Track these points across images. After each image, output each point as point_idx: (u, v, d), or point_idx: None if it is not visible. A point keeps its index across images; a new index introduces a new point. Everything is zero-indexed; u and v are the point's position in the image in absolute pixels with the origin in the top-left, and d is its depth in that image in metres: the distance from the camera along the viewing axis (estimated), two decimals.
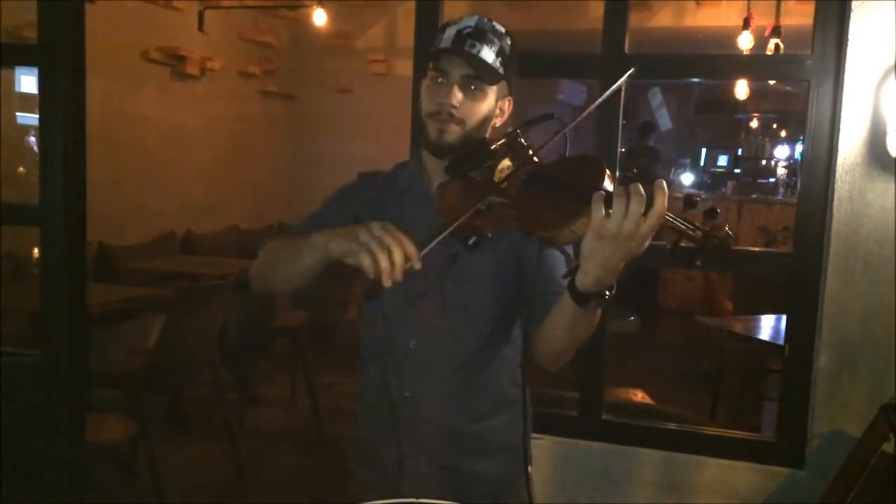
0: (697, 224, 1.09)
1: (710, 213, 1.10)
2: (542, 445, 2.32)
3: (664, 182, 1.07)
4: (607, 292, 1.19)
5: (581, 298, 1.20)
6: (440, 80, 1.44)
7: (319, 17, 6.30)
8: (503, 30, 1.48)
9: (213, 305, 3.80)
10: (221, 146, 6.90)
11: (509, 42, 1.47)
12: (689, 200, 1.15)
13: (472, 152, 1.41)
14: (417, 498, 1.23)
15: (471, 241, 1.28)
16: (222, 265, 5.05)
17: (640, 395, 3.35)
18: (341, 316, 5.54)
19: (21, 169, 4.94)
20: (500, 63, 1.44)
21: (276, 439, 4.35)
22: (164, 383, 3.83)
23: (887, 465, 1.93)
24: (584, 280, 1.17)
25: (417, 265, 1.19)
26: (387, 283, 1.17)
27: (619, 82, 1.28)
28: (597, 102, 1.28)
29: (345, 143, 7.05)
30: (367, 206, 1.56)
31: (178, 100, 6.37)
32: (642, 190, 1.06)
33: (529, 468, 1.56)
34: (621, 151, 2.40)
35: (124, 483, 3.50)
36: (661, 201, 1.05)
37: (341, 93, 7.33)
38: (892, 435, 1.93)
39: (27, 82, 4.96)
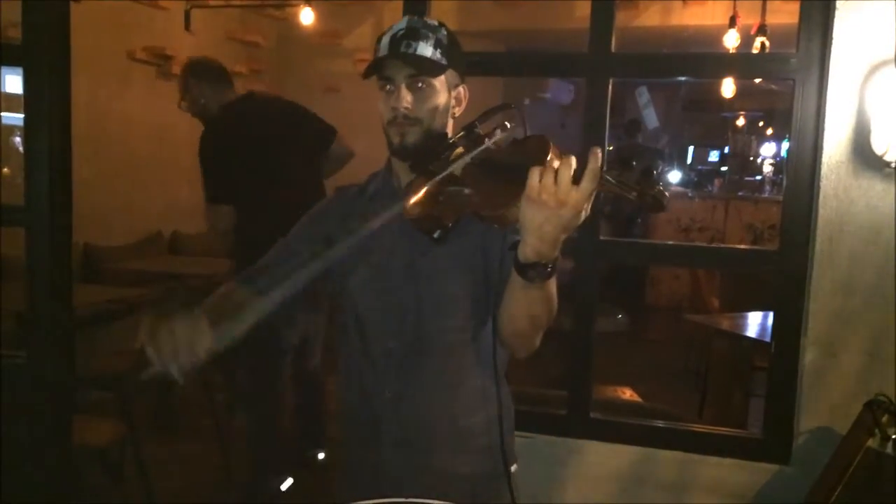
0: (631, 184, 1.11)
1: (646, 173, 1.12)
2: (530, 444, 2.32)
3: (598, 150, 1.10)
4: (550, 266, 1.21)
5: (522, 269, 1.22)
6: (388, 87, 1.47)
7: (307, 17, 6.28)
8: (436, 23, 1.50)
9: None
10: None
11: (445, 32, 1.49)
12: (625, 163, 1.18)
13: (433, 147, 1.43)
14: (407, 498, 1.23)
15: (436, 234, 1.29)
16: (210, 265, 5.03)
17: (628, 393, 3.36)
18: (330, 314, 5.52)
19: (6, 170, 4.91)
20: (441, 54, 1.46)
21: None
22: (153, 384, 3.81)
23: (873, 461, 1.94)
24: (524, 250, 1.19)
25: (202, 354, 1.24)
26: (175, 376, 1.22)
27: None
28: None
29: None
30: (338, 222, 1.58)
31: (164, 99, 6.28)
32: (573, 158, 1.09)
33: (512, 467, 1.56)
34: (609, 149, 2.41)
35: (113, 485, 3.48)
36: (592, 167, 1.08)
37: (329, 92, 7.31)
38: (877, 431, 1.94)
39: (12, 82, 4.92)
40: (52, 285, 2.42)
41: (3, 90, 4.96)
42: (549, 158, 1.12)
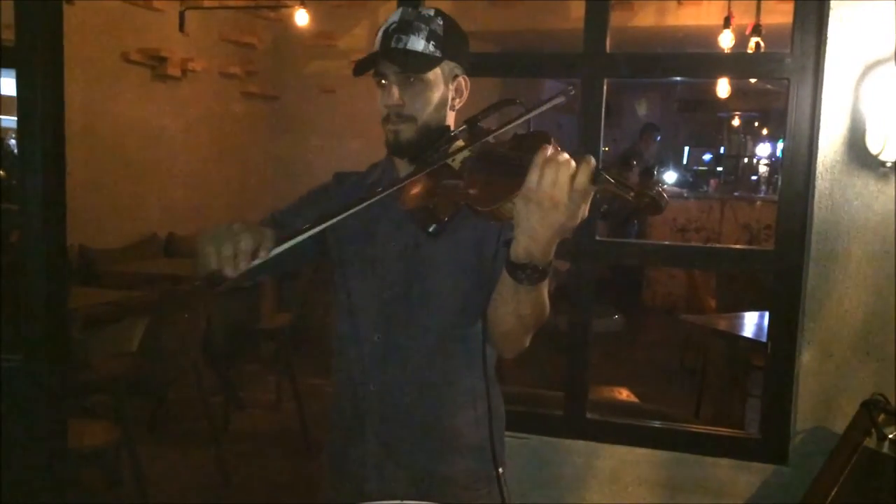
0: (629, 184, 1.08)
1: (646, 174, 1.10)
2: (526, 444, 2.32)
3: (591, 157, 1.09)
4: (540, 269, 1.19)
5: (512, 269, 1.20)
6: (382, 82, 1.44)
7: (301, 18, 6.28)
8: (431, 12, 1.45)
9: (196, 308, 3.77)
10: (204, 148, 6.86)
11: (441, 22, 1.44)
12: (624, 162, 1.17)
13: (434, 140, 1.41)
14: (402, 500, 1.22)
15: (431, 229, 1.28)
16: None
17: (624, 394, 3.36)
18: (326, 317, 5.52)
19: (1, 172, 4.90)
20: (435, 46, 1.42)
21: (262, 442, 4.33)
22: (148, 387, 3.81)
23: (870, 461, 1.94)
24: (516, 249, 1.17)
25: (263, 255, 1.20)
26: (227, 272, 1.19)
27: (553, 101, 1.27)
28: (534, 112, 1.27)
29: (328, 144, 7.03)
30: (337, 204, 1.56)
31: (159, 101, 6.32)
32: (570, 160, 1.08)
33: (500, 470, 1.53)
34: (604, 150, 2.41)
35: (108, 488, 3.48)
36: (585, 168, 1.07)
37: (324, 93, 7.31)
38: (874, 430, 1.94)
39: (6, 84, 4.91)
40: (48, 288, 2.41)
41: None
42: (548, 154, 1.10)
